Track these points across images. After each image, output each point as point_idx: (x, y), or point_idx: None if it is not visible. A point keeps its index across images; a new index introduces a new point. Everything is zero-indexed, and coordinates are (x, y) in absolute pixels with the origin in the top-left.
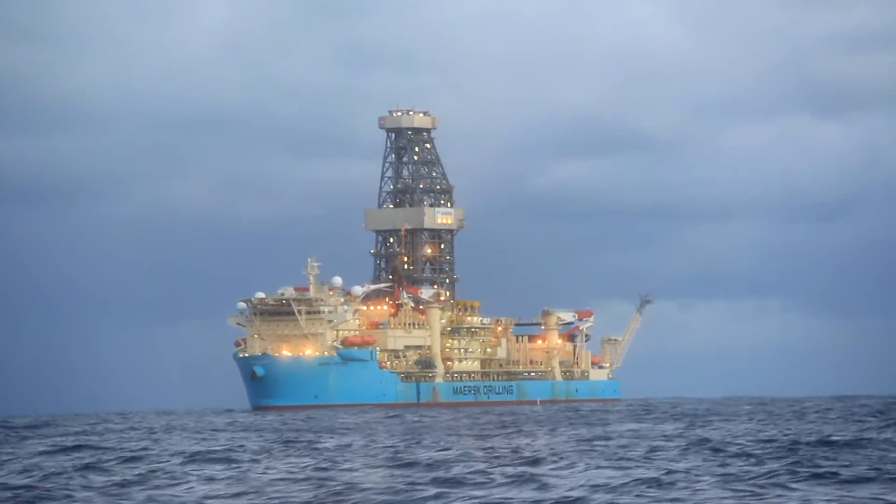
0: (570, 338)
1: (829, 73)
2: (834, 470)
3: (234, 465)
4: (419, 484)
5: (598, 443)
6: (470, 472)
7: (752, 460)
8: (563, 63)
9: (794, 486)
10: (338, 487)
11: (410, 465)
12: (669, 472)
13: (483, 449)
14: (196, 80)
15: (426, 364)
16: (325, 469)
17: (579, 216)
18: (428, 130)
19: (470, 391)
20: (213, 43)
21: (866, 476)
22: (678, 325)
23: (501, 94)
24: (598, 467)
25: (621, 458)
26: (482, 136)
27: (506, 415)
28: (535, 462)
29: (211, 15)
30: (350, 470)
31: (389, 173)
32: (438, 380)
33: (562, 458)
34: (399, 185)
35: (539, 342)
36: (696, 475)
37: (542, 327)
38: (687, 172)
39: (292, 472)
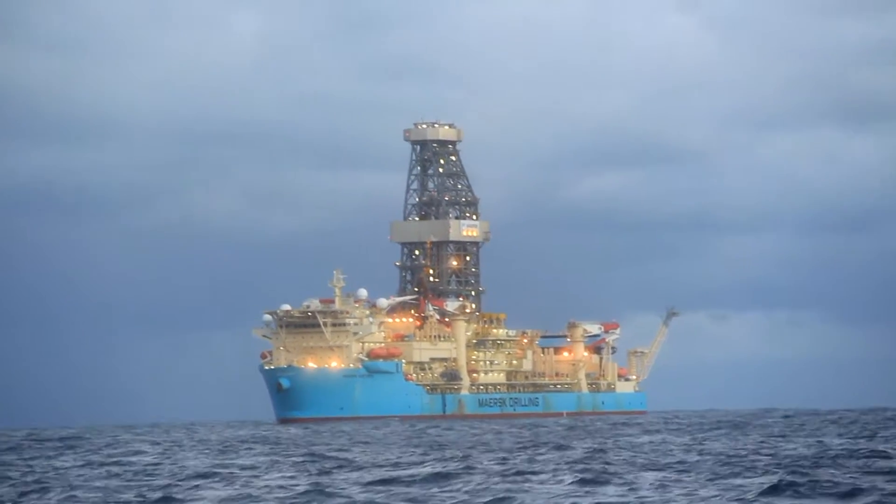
0: (597, 350)
1: (860, 84)
2: (808, 485)
3: (228, 482)
4: (393, 500)
5: (599, 456)
6: (451, 491)
7: (736, 475)
8: (592, 74)
9: (766, 500)
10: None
11: (398, 480)
12: (642, 488)
13: (481, 464)
14: (224, 93)
15: (452, 376)
16: (313, 483)
17: (609, 228)
18: (453, 143)
19: (496, 403)
20: (240, 56)
21: (837, 491)
22: (710, 337)
23: (529, 106)
24: (578, 482)
25: (606, 473)
26: (509, 147)
27: (527, 427)
28: (523, 479)
29: (239, 28)
30: (332, 485)
31: (415, 186)
32: (464, 392)
33: (552, 474)
34: (424, 198)
35: (565, 354)
36: (667, 491)
37: (568, 339)
38: (717, 183)
39: (280, 486)
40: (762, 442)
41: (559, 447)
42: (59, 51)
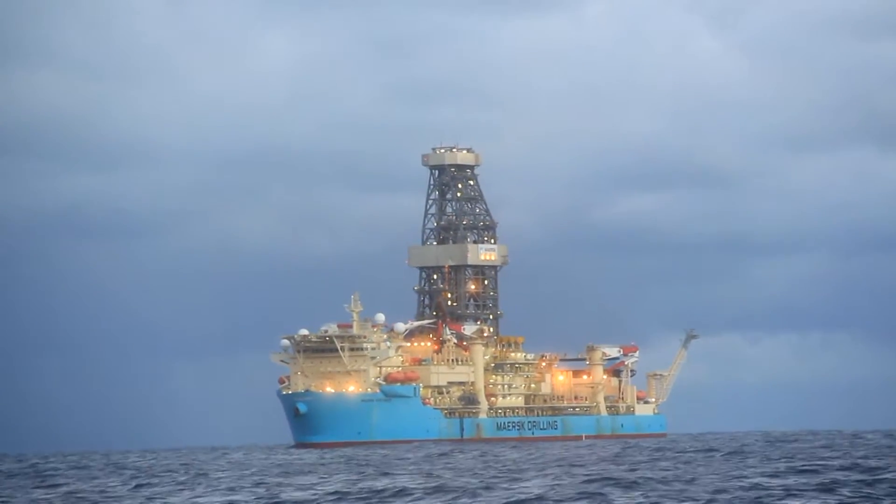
0: (616, 373)
1: (893, 105)
2: None
3: None
4: None
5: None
6: None
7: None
8: (621, 96)
9: None
10: None
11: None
12: None
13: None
14: (253, 118)
15: (470, 400)
16: None
17: (639, 250)
18: (471, 167)
19: (514, 427)
20: (272, 81)
21: None
22: (741, 359)
23: (557, 128)
24: None
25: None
26: (535, 169)
27: (529, 452)
28: None
29: (271, 53)
30: None
31: (433, 210)
32: (482, 416)
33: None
34: (442, 222)
35: (584, 377)
36: None
37: (587, 363)
38: (748, 205)
39: None
40: (744, 468)
41: (522, 477)
42: (90, 76)
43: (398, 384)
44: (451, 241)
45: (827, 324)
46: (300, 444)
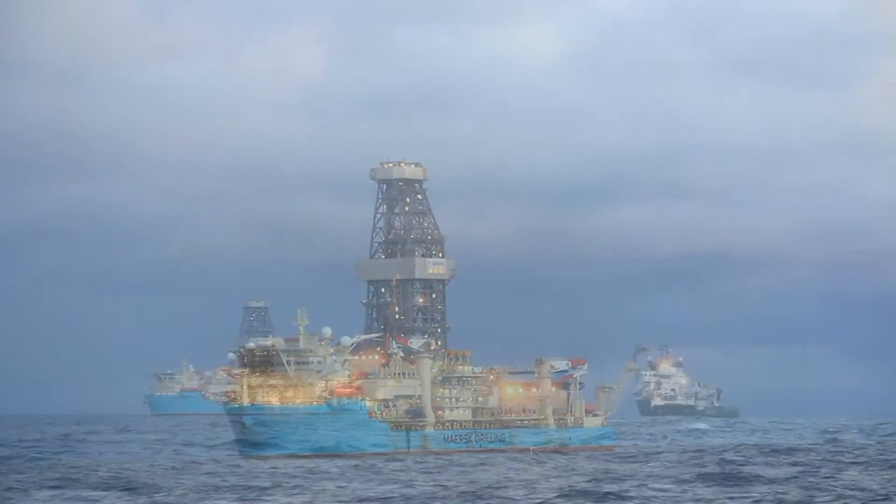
0: (564, 386)
1: (876, 120)
2: None
3: None
4: None
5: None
6: None
7: None
8: (601, 109)
9: None
10: None
11: None
12: None
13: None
14: (229, 127)
15: (417, 414)
16: None
17: (619, 262)
18: (419, 181)
19: (461, 440)
20: (252, 92)
21: None
22: (721, 370)
23: (533, 140)
24: None
25: None
26: (510, 182)
27: (460, 465)
28: None
29: (251, 65)
30: None
31: (381, 224)
32: (429, 429)
33: None
34: (390, 236)
35: (532, 390)
36: None
37: (536, 375)
38: (730, 219)
39: None
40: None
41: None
42: (67, 86)
43: (344, 398)
44: (399, 255)
45: (806, 338)
46: (246, 458)
